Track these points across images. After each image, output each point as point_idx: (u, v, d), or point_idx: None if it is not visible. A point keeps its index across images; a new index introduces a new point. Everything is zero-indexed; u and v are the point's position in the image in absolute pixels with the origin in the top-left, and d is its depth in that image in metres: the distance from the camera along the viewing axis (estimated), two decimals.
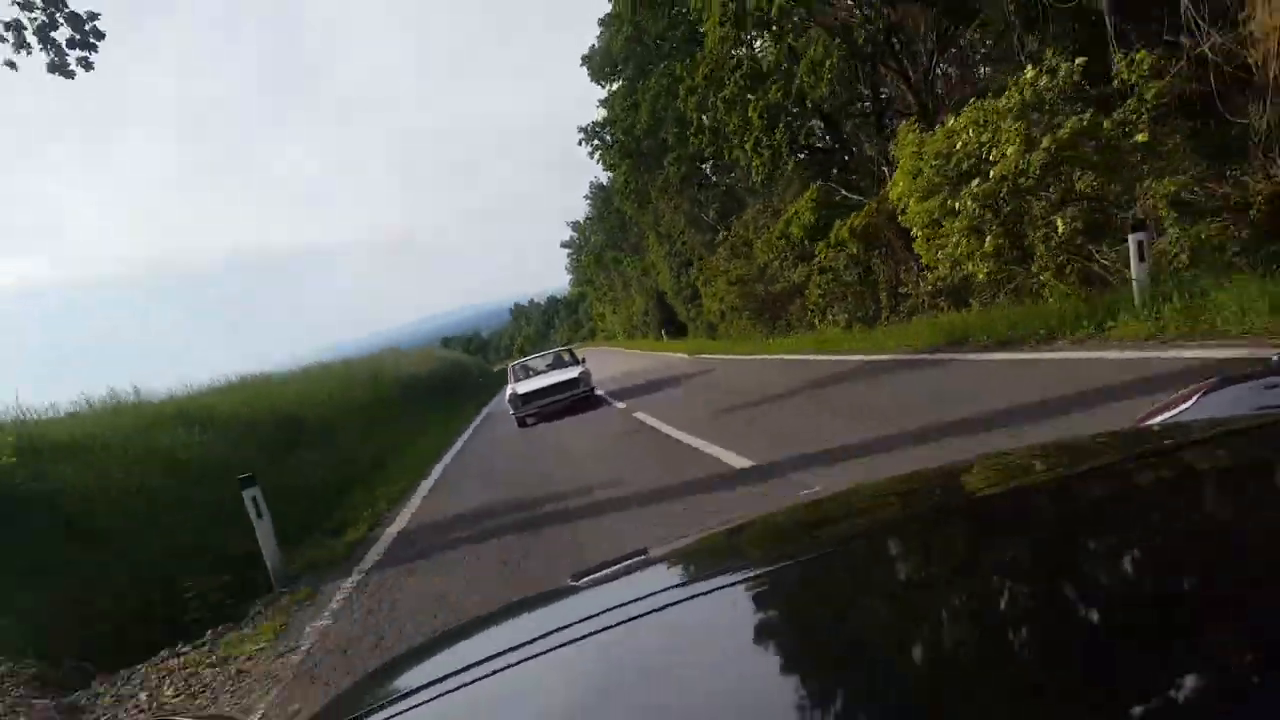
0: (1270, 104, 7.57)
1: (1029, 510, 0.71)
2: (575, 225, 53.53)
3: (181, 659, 4.03)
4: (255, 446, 9.91)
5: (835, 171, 17.40)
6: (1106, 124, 8.16)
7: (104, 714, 3.52)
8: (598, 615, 0.63)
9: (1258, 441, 0.74)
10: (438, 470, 9.61)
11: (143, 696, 3.60)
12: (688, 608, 0.62)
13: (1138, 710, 0.36)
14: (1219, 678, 0.37)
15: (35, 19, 8.77)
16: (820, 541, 0.80)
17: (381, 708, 0.59)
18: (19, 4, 8.69)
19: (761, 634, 0.57)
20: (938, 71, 13.95)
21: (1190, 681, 0.37)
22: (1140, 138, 7.87)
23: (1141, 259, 6.20)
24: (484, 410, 17.99)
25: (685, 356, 19.51)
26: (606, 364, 20.62)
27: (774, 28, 12.79)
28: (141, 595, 5.40)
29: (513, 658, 0.59)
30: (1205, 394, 1.01)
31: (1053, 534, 0.64)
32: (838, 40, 11.97)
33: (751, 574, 0.68)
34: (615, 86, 21.33)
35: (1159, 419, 1.02)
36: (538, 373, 13.42)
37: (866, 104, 15.46)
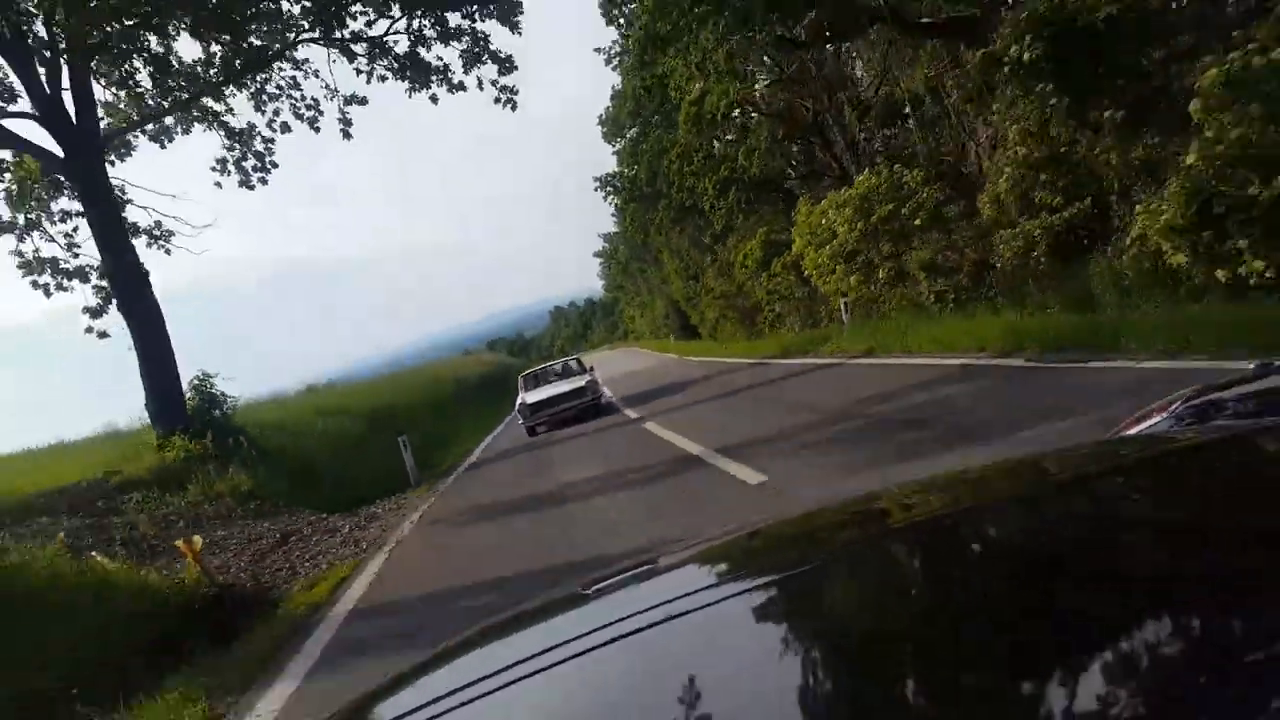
0: (983, 200, 12.26)
1: (1024, 517, 0.73)
2: (606, 237, 59.02)
3: (387, 500, 9.43)
4: (369, 428, 15.42)
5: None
6: (905, 211, 12.97)
7: (362, 516, 8.85)
8: (608, 625, 0.63)
9: (1235, 450, 0.76)
10: (488, 439, 15.15)
11: (379, 510, 8.98)
12: (697, 617, 0.61)
13: (1124, 711, 0.37)
14: (1203, 685, 0.38)
15: (235, 155, 14.28)
16: (828, 548, 0.81)
17: None
18: (225, 148, 14.20)
19: (772, 641, 0.58)
20: (858, 144, 18.75)
21: (1173, 686, 0.38)
22: (917, 222, 12.65)
23: (848, 312, 11.13)
24: None
25: (676, 357, 24.79)
26: (620, 364, 26.02)
27: (725, 121, 17.84)
28: (345, 495, 10.81)
29: (525, 668, 0.60)
30: (1184, 403, 1.02)
31: (1046, 540, 0.66)
32: (766, 134, 16.93)
33: (760, 581, 0.69)
34: (621, 145, 26.80)
35: (1139, 428, 1.04)
36: (546, 382, 14.08)
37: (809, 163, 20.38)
